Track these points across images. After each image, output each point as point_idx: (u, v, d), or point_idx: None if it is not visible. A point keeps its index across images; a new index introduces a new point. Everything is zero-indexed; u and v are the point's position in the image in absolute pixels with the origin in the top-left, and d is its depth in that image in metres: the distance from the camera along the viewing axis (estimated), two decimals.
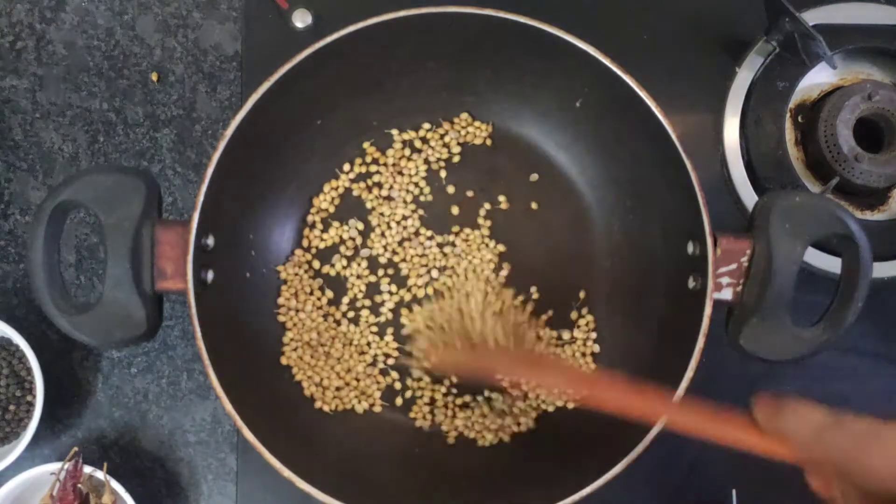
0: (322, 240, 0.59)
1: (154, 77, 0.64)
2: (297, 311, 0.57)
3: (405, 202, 0.59)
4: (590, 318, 0.58)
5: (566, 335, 0.58)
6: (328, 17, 0.63)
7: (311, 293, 0.58)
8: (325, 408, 0.56)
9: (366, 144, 0.59)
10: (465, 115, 0.60)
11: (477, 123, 0.60)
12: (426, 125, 0.60)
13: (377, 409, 0.57)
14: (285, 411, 0.55)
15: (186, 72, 0.64)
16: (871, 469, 0.27)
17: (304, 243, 0.59)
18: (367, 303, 0.58)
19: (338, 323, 0.58)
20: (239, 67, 0.64)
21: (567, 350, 0.58)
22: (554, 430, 0.57)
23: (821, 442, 0.29)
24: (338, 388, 0.57)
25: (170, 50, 0.64)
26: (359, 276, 0.58)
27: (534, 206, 0.60)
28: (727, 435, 0.34)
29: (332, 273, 0.59)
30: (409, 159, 0.59)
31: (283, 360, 0.56)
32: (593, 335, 0.58)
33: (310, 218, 0.59)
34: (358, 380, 0.57)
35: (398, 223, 0.59)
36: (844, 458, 0.28)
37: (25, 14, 0.64)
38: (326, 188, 0.59)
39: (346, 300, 0.58)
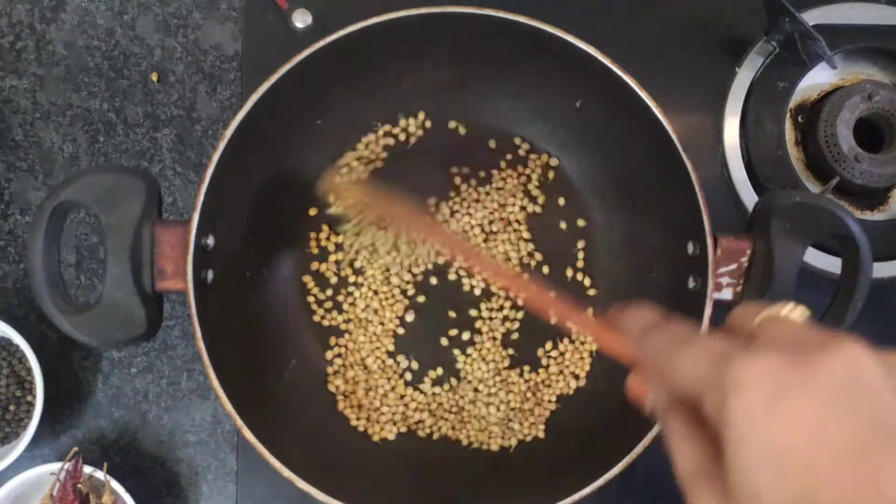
0: (325, 240, 0.59)
1: (154, 77, 0.64)
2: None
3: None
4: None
5: (565, 335, 0.58)
6: (328, 17, 0.63)
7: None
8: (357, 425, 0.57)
9: (368, 138, 0.60)
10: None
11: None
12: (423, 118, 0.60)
13: (393, 433, 0.57)
14: (285, 412, 0.55)
15: (186, 72, 0.64)
16: (676, 370, 0.28)
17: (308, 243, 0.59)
18: (373, 300, 0.59)
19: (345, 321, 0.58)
20: (239, 67, 0.64)
21: (567, 350, 0.58)
22: (555, 433, 0.57)
23: (644, 339, 0.30)
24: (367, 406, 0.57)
25: (170, 50, 0.64)
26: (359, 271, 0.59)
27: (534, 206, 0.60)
28: (578, 323, 0.37)
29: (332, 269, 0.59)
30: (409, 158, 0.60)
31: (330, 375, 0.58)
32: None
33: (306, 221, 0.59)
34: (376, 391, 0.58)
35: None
36: (658, 356, 0.29)
37: (25, 14, 0.64)
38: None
39: (354, 299, 0.59)
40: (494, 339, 0.58)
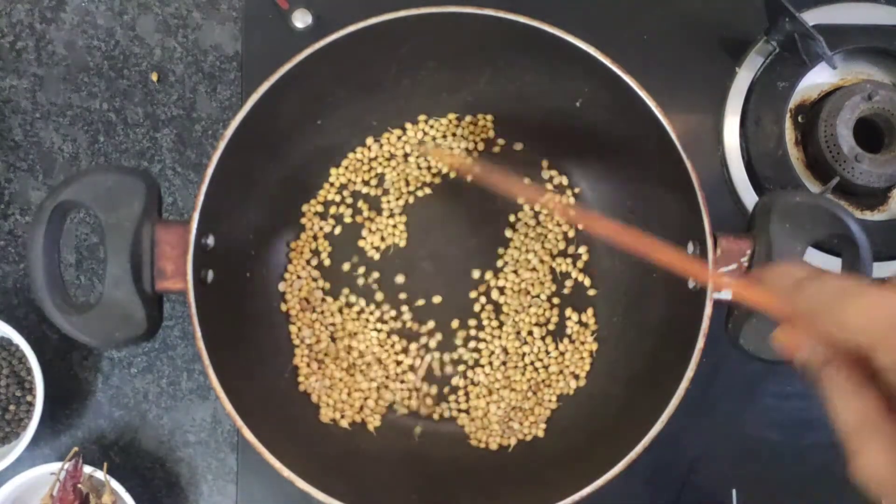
0: (321, 237, 0.59)
1: (154, 77, 0.64)
2: (302, 324, 0.58)
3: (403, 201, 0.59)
4: (590, 317, 0.58)
5: (565, 335, 0.58)
6: (328, 17, 0.63)
7: (316, 298, 0.58)
8: (336, 418, 0.57)
9: (368, 141, 0.60)
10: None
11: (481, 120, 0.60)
12: (422, 119, 0.60)
13: (376, 422, 0.57)
14: (285, 411, 0.55)
15: (186, 72, 0.64)
16: (843, 322, 0.28)
17: (305, 240, 0.59)
18: (375, 300, 0.59)
19: (340, 324, 0.58)
20: (239, 67, 0.64)
21: (567, 350, 0.58)
22: (555, 433, 0.57)
23: (801, 290, 0.30)
24: (347, 395, 0.57)
25: (170, 50, 0.64)
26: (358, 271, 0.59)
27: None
28: (724, 284, 0.37)
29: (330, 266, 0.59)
30: (408, 157, 0.60)
31: (299, 368, 0.57)
32: (592, 335, 0.58)
33: (305, 221, 0.59)
34: (362, 390, 0.58)
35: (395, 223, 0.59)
36: (821, 307, 0.29)
37: (25, 14, 0.64)
38: (326, 186, 0.59)
39: (346, 298, 0.59)
40: (499, 337, 0.58)
